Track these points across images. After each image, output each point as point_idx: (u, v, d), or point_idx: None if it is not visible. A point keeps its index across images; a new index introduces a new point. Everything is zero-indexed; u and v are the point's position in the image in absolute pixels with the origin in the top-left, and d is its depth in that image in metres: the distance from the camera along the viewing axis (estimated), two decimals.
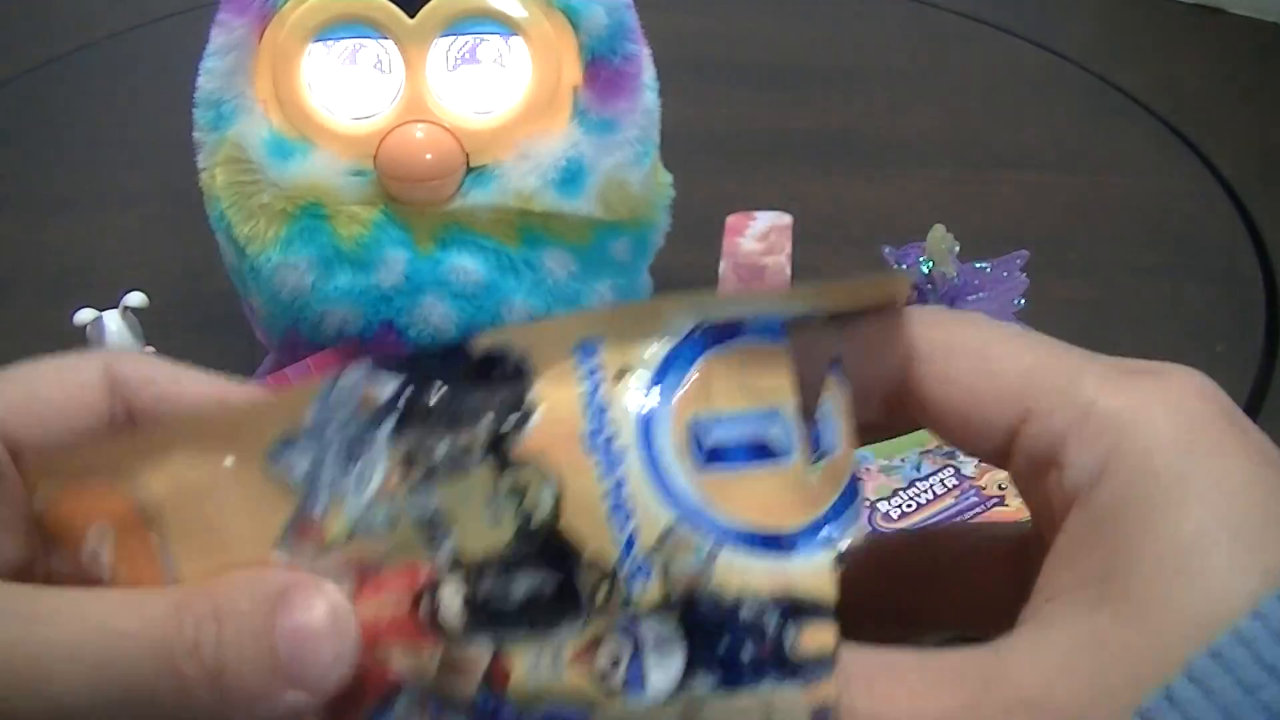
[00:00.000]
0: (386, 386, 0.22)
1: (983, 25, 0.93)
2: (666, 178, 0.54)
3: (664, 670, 0.20)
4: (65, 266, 0.68)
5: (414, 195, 0.49)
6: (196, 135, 0.51)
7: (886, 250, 0.52)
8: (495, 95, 0.50)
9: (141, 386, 0.24)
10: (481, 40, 0.49)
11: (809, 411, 0.22)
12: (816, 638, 0.20)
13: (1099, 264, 0.67)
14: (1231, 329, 0.62)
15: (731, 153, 0.78)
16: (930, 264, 0.51)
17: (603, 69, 0.49)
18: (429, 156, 0.48)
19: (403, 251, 0.50)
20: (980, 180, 0.75)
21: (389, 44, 0.49)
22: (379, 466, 0.21)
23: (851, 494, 0.22)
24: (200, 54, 0.50)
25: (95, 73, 0.89)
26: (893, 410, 0.24)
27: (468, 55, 0.49)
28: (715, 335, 0.22)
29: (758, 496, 0.21)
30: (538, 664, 0.21)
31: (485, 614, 0.21)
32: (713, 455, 0.22)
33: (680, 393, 0.22)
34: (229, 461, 0.22)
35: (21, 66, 0.88)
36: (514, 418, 0.21)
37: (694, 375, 0.22)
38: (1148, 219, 0.72)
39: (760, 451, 0.22)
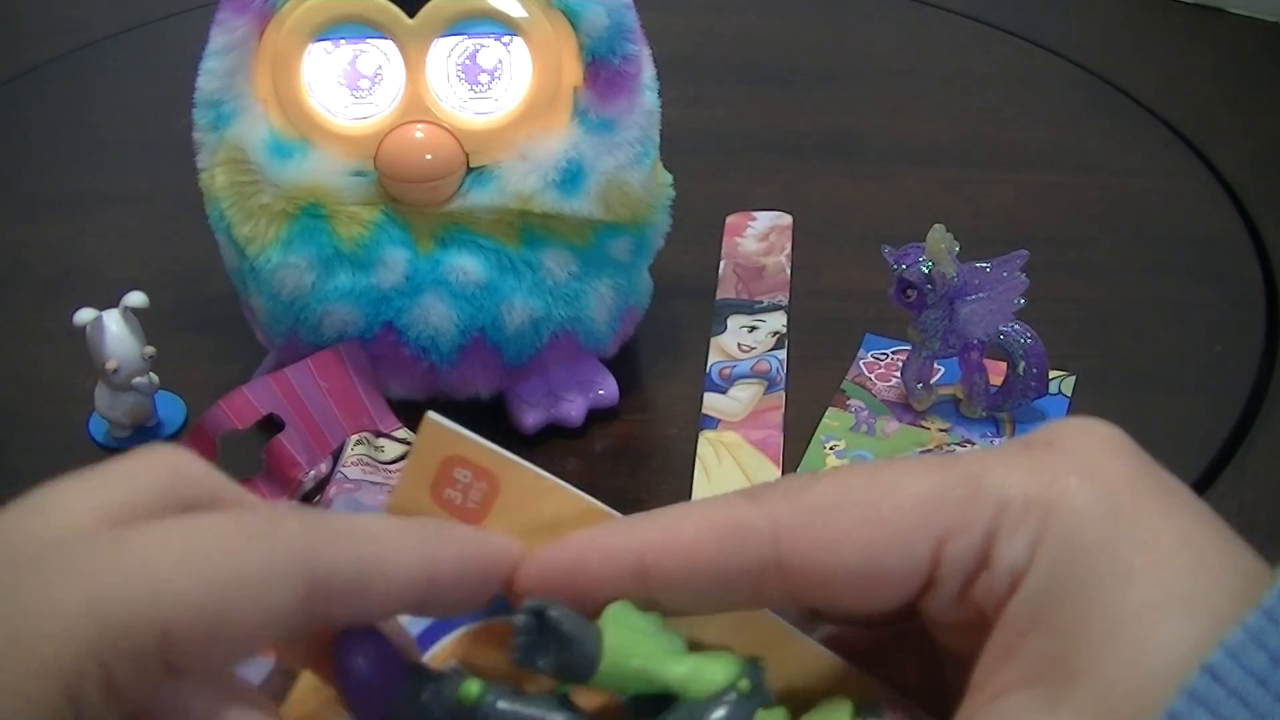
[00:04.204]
0: None
1: (983, 25, 0.93)
2: (666, 178, 0.54)
3: None
4: (65, 266, 0.68)
5: (414, 196, 0.49)
6: (196, 135, 0.51)
7: (886, 250, 0.52)
8: (495, 95, 0.50)
9: (345, 590, 0.22)
10: (481, 41, 0.49)
11: None
12: None
13: (1099, 264, 0.67)
14: (1231, 329, 0.62)
15: (731, 153, 0.78)
16: (930, 264, 0.51)
17: (603, 69, 0.49)
18: (429, 157, 0.48)
19: (403, 251, 0.50)
20: (980, 180, 0.75)
21: (389, 44, 0.49)
22: None
23: None
24: (200, 54, 0.50)
25: (95, 73, 0.89)
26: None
27: (468, 56, 0.49)
28: None
29: None
30: None
31: None
32: None
33: None
34: None
35: (21, 66, 0.89)
36: None
37: None
38: (1148, 219, 0.72)
39: None
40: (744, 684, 0.23)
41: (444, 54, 0.49)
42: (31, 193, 0.75)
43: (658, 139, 0.52)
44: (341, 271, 0.50)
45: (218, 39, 0.49)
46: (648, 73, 0.52)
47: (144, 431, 0.56)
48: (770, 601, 0.24)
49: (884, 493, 0.22)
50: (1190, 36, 0.93)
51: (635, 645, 0.23)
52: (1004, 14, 0.94)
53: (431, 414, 0.26)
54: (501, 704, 0.23)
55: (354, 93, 0.49)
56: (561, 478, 0.26)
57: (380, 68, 0.49)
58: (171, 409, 0.57)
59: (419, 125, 0.49)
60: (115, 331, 0.52)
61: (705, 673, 0.23)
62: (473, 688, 0.23)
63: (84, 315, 0.52)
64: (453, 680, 0.24)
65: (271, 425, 0.51)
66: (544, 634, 0.23)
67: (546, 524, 0.26)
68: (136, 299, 0.53)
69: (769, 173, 0.75)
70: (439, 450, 0.26)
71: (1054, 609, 0.20)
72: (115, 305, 0.53)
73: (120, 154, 0.78)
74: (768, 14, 0.96)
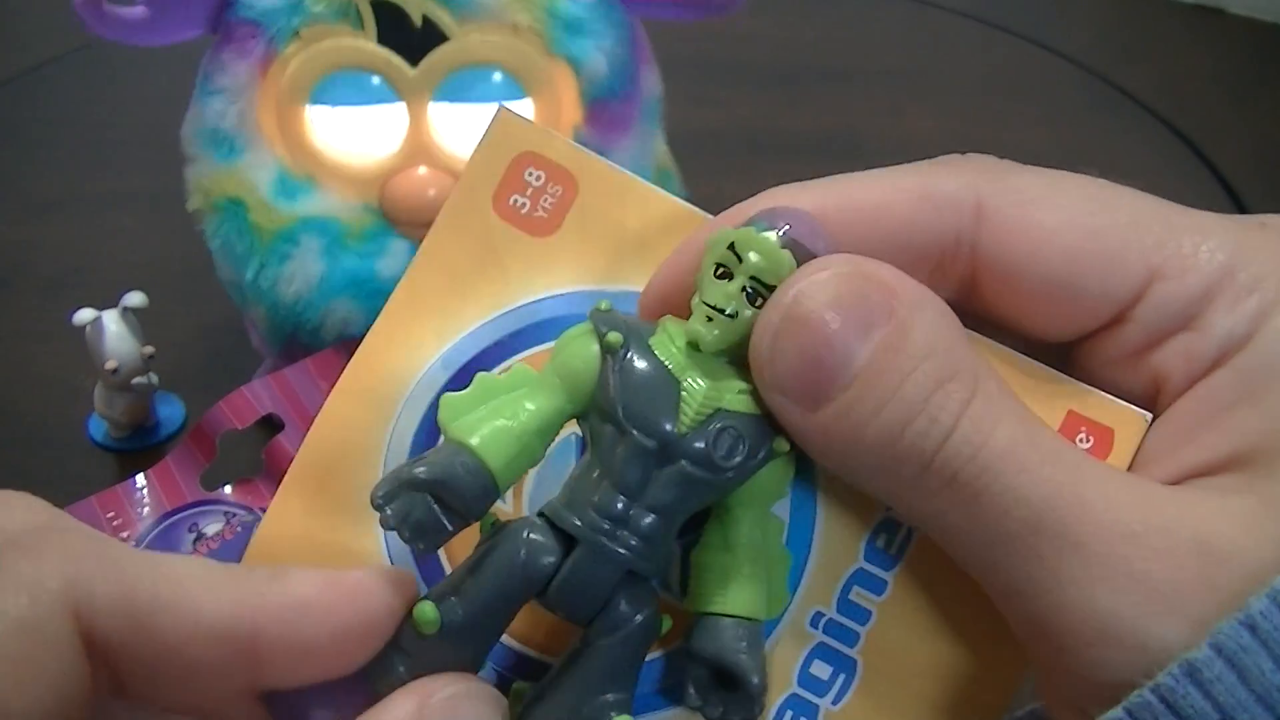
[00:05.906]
0: None
1: (983, 25, 0.93)
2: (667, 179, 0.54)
3: None
4: (65, 266, 0.68)
5: (419, 234, 0.49)
6: (192, 154, 0.50)
7: None
8: None
9: (129, 623, 0.18)
10: (482, 87, 0.49)
11: None
12: None
13: None
14: None
15: (731, 153, 0.78)
16: None
17: (603, 110, 0.50)
18: (432, 193, 0.48)
19: (405, 241, 0.49)
20: None
21: (392, 93, 0.48)
22: None
23: None
24: (200, 54, 0.50)
25: (95, 73, 0.88)
26: (965, 289, 0.20)
27: (470, 102, 0.49)
28: None
29: None
30: None
31: None
32: None
33: None
34: None
35: (21, 66, 0.88)
36: None
37: None
38: None
39: None
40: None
41: (446, 103, 0.49)
42: (32, 193, 0.75)
43: (656, 158, 0.53)
44: (344, 259, 0.49)
45: (219, 80, 0.49)
46: (650, 92, 0.52)
47: (143, 431, 0.56)
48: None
49: (1100, 205, 0.19)
50: (1190, 36, 0.93)
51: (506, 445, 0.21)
52: (1004, 14, 0.94)
53: (506, 105, 0.23)
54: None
55: (358, 134, 0.49)
56: None
57: (383, 111, 0.49)
58: (171, 409, 0.57)
59: (423, 165, 0.49)
60: (115, 331, 0.52)
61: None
62: (427, 611, 0.20)
63: (84, 315, 0.52)
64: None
65: (271, 425, 0.51)
66: (414, 503, 0.20)
67: (632, 233, 0.23)
68: (136, 299, 0.53)
69: (769, 173, 0.75)
70: (511, 146, 0.23)
71: (1271, 386, 0.18)
72: (115, 305, 0.53)
73: (120, 154, 0.78)
74: (768, 14, 0.96)
